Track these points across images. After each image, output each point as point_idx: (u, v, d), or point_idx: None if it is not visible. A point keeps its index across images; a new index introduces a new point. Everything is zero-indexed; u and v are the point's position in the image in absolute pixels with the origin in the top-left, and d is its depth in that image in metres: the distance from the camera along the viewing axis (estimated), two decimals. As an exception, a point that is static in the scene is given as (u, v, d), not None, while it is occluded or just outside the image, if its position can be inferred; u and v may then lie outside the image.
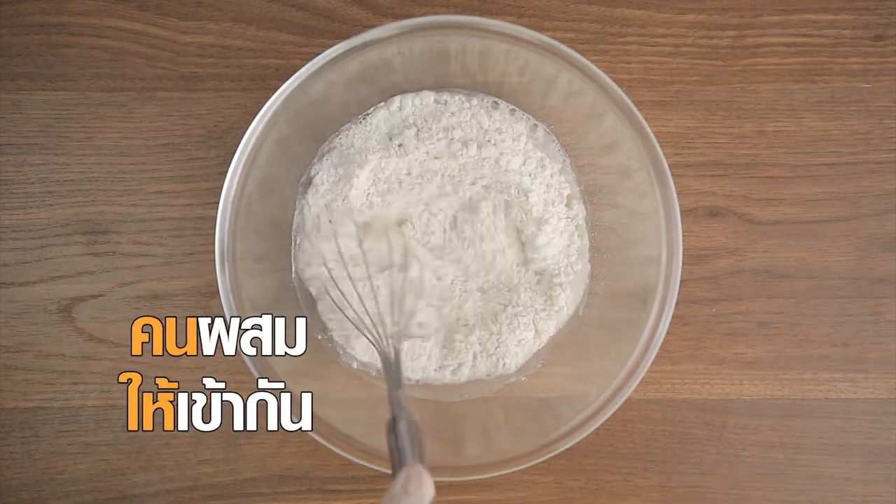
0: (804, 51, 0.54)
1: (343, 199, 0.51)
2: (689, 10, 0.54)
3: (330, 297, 0.49)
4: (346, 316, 0.49)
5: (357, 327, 0.48)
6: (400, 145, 0.51)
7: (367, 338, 0.47)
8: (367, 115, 0.52)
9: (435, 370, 0.52)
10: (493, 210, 0.52)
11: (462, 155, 0.51)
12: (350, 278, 0.48)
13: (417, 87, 0.52)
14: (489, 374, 0.52)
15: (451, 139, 0.51)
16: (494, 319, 0.52)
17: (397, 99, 0.52)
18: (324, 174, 0.51)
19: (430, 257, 0.52)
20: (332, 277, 0.49)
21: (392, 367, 0.44)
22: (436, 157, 0.52)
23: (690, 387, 0.54)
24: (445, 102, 0.52)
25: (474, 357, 0.52)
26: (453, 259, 0.52)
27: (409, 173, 0.52)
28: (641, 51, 0.54)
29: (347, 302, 0.48)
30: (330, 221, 0.51)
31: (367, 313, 0.48)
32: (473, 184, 0.52)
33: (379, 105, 0.52)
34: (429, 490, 0.34)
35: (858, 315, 0.54)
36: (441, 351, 0.52)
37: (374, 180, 0.51)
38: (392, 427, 0.38)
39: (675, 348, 0.54)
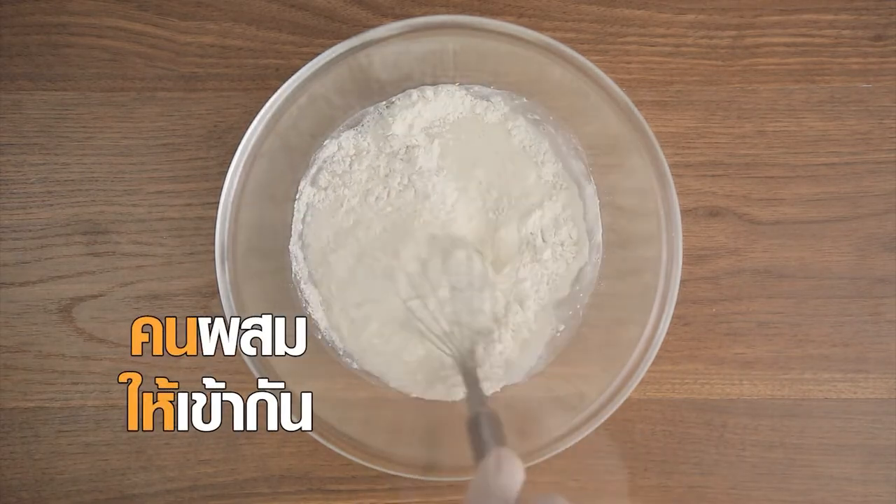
0: (804, 51, 0.54)
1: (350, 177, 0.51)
2: (689, 10, 0.54)
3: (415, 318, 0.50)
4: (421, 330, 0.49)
5: (429, 339, 0.49)
6: (428, 132, 0.51)
7: (440, 348, 0.48)
8: (368, 112, 0.52)
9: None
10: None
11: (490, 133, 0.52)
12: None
13: (421, 86, 0.52)
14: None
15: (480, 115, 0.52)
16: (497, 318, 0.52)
17: (414, 92, 0.52)
18: (331, 165, 0.51)
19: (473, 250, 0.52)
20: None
21: (469, 367, 0.46)
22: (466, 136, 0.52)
23: (690, 387, 0.54)
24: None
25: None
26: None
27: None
28: (641, 51, 0.54)
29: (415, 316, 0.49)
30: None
31: (438, 322, 0.49)
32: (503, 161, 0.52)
33: (391, 99, 0.52)
34: (520, 471, 0.34)
35: (858, 315, 0.54)
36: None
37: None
38: (476, 419, 0.40)
39: (675, 348, 0.54)
